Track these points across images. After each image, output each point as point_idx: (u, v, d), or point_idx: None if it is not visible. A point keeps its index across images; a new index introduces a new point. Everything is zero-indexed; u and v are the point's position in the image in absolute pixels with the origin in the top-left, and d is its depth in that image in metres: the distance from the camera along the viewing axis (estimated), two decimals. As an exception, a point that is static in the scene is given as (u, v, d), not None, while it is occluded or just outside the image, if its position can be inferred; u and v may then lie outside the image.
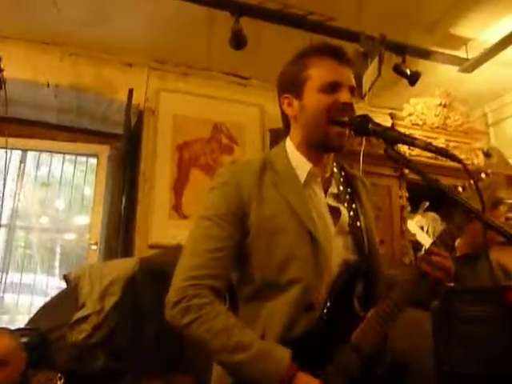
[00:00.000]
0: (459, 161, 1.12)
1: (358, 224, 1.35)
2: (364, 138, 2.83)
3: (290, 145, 1.41)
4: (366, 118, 1.27)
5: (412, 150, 3.10)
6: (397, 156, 1.23)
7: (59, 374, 2.16)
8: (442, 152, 1.16)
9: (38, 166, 3.74)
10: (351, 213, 1.36)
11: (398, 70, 3.02)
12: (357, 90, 2.09)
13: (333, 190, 1.38)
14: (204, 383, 1.37)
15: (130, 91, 3.14)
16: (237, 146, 3.38)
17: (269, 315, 1.22)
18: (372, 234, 1.37)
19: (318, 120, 1.31)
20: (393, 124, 3.21)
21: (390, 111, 3.28)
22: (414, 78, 3.03)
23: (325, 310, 1.21)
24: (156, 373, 2.37)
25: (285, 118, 1.44)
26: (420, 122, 3.30)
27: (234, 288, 1.37)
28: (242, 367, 1.14)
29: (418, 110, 3.30)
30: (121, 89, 3.20)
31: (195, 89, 3.42)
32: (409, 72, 3.01)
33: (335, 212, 1.35)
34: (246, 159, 2.14)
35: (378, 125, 1.26)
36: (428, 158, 3.04)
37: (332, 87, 1.30)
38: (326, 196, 1.36)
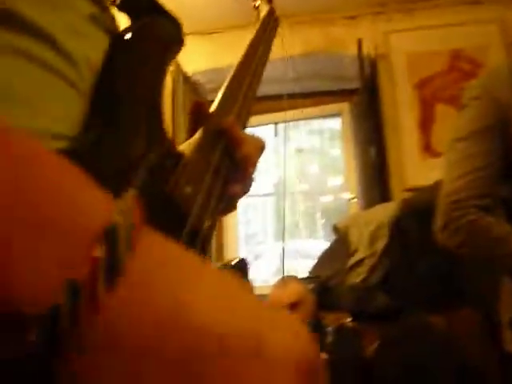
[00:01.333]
0: None
1: None
2: None
3: None
4: None
5: None
6: None
7: (347, 314, 2.34)
8: None
9: (288, 137, 4.06)
10: None
11: None
12: None
13: None
14: (491, 315, 1.34)
15: (359, 42, 3.17)
16: (481, 69, 3.13)
17: None
18: None
19: None
20: None
21: None
22: None
23: None
24: (435, 309, 2.38)
25: None
26: None
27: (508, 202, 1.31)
28: None
29: None
30: (350, 43, 3.24)
31: (424, 22, 3.26)
32: None
33: None
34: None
35: None
36: None
37: None
38: None
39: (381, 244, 2.49)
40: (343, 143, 3.66)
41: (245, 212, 4.21)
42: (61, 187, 0.23)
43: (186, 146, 0.55)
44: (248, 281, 0.58)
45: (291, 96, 3.56)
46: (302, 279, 2.57)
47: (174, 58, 0.56)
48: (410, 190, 3.02)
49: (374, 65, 3.25)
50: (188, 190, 0.47)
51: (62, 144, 0.36)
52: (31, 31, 0.36)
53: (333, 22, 3.34)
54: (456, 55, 3.19)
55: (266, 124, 3.71)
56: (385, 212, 2.65)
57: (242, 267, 0.58)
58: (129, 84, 0.46)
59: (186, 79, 3.21)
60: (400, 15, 3.32)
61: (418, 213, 2.57)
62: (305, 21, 3.36)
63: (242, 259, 0.61)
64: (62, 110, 0.39)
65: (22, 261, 0.21)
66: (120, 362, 0.22)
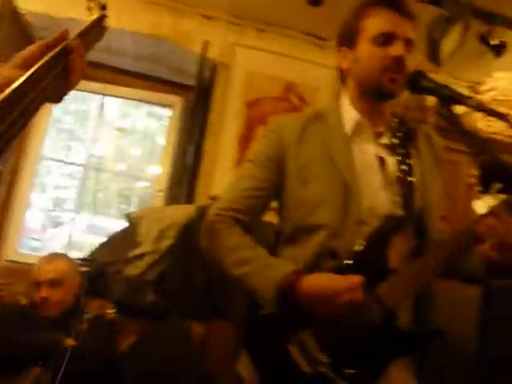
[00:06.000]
0: (509, 122, 1.07)
1: (410, 179, 1.31)
2: (434, 111, 2.73)
3: (344, 99, 1.41)
4: (420, 74, 1.23)
5: (490, 127, 2.94)
6: (449, 116, 1.20)
7: (111, 304, 2.29)
8: (494, 113, 1.12)
9: (115, 112, 3.92)
10: (403, 166, 1.32)
11: (484, 40, 2.84)
12: (432, 56, 2.00)
13: (384, 140, 1.35)
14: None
15: (206, 44, 3.17)
16: (307, 108, 3.34)
17: (294, 259, 1.25)
18: (429, 192, 1.32)
19: (369, 72, 1.29)
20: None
21: (471, 84, 3.11)
22: (499, 49, 2.84)
23: (351, 259, 1.21)
24: (199, 317, 2.46)
25: (341, 72, 1.42)
26: (502, 98, 3.12)
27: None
28: (246, 279, 1.20)
29: (501, 86, 3.11)
30: (197, 41, 3.21)
31: (271, 46, 3.38)
32: (495, 42, 2.82)
33: (384, 163, 1.32)
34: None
35: (432, 81, 1.22)
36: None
37: (385, 39, 1.27)
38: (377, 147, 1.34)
39: (166, 243, 2.50)
40: (168, 135, 3.63)
41: (61, 176, 4.03)
42: None
43: None
44: None
45: (125, 72, 3.46)
46: (77, 259, 2.47)
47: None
48: (213, 198, 3.09)
49: (214, 70, 3.28)
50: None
51: None
52: None
53: (188, 15, 3.29)
54: (290, 88, 3.36)
55: (92, 92, 3.54)
56: (181, 213, 2.68)
57: None
58: None
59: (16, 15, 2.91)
60: (251, 31, 3.39)
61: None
62: (159, 2, 3.25)
63: None
64: None
65: None
66: None
